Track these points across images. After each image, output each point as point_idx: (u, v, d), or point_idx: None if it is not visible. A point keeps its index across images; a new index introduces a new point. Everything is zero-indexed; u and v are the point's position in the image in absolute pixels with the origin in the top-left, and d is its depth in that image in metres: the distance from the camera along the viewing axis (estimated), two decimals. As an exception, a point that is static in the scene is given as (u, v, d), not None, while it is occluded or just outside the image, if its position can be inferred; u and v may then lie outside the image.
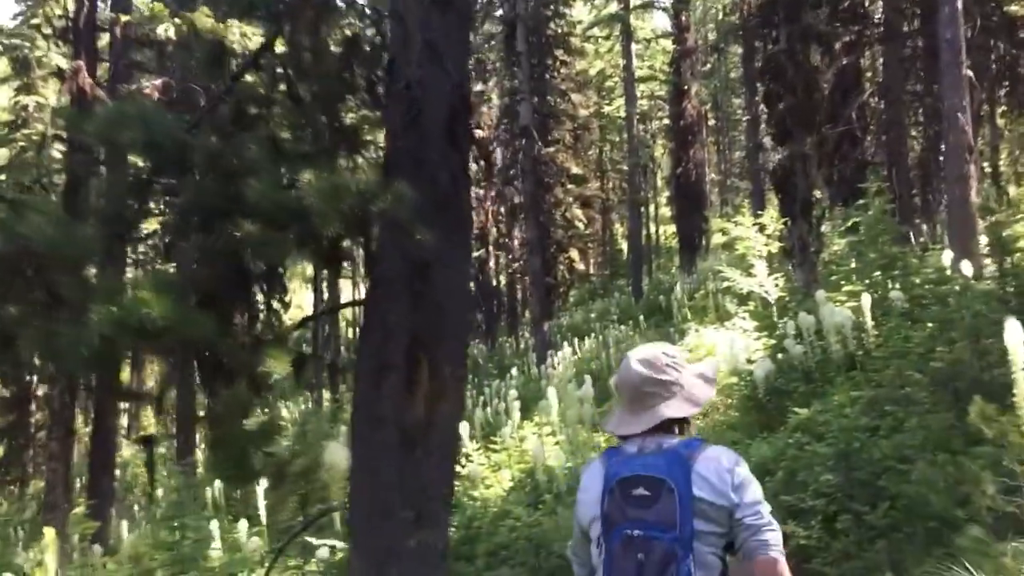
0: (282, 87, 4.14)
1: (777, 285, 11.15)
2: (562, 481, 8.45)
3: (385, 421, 4.11)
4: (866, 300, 8.66)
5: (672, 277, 30.45)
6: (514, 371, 19.72)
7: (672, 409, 2.55)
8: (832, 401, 7.36)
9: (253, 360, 3.51)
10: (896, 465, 5.37)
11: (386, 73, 4.24)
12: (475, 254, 34.39)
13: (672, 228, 41.06)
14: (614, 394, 3.30)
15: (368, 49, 4.36)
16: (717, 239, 33.88)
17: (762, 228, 11.96)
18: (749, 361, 9.42)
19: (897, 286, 9.81)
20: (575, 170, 31.77)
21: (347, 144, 4.21)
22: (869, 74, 22.22)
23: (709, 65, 44.17)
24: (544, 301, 20.16)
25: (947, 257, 10.16)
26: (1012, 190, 19.29)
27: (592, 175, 45.44)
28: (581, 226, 31.97)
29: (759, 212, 12.00)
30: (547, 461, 8.93)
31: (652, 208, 51.47)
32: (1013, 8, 23.78)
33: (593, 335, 22.39)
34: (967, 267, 9.51)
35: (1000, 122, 22.70)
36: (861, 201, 11.26)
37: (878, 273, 10.36)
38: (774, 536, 2.46)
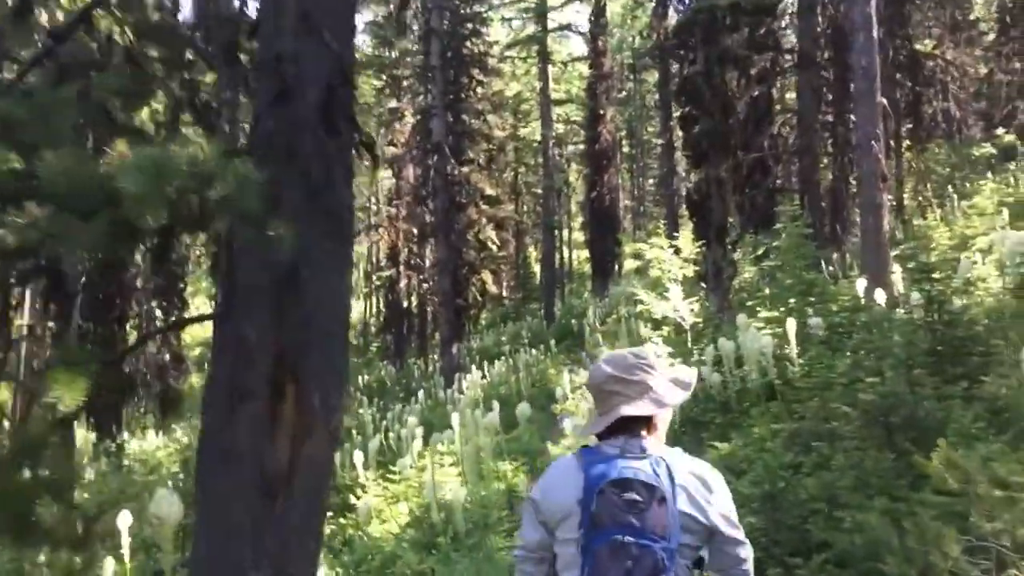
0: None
1: (692, 310, 10.73)
2: (460, 521, 7.74)
3: (239, 461, 3.38)
4: (791, 325, 8.25)
5: (584, 301, 30.20)
6: (420, 395, 18.98)
7: (633, 408, 2.45)
8: (752, 434, 6.89)
9: (36, 387, 2.74)
10: (824, 508, 4.88)
11: (252, 41, 3.58)
12: (386, 274, 33.60)
13: (586, 253, 40.93)
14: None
15: (229, 10, 3.67)
16: (630, 264, 33.87)
17: (677, 251, 11.52)
18: None
19: (812, 313, 9.49)
20: (489, 191, 31.19)
21: (200, 120, 3.50)
22: (779, 106, 22.35)
23: (624, 93, 44.48)
24: (454, 323, 19.47)
25: (861, 285, 9.91)
26: (916, 222, 19.48)
27: (507, 197, 45.07)
28: (494, 248, 31.39)
29: (674, 235, 11.56)
30: (445, 496, 8.21)
31: (566, 232, 51.44)
32: (918, 46, 24.37)
33: (504, 358, 21.84)
34: (881, 295, 9.26)
35: (906, 155, 23.07)
36: (778, 226, 10.95)
37: (793, 300, 10.04)
38: (750, 562, 2.48)
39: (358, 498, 9.44)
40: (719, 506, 2.42)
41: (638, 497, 2.32)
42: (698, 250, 11.89)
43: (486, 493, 8.81)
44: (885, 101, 13.18)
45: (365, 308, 48.09)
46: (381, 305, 37.63)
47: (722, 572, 2.46)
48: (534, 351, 22.51)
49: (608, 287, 28.85)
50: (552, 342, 22.90)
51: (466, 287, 29.85)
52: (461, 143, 30.19)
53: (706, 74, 14.20)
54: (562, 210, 48.16)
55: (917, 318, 7.14)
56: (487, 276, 30.58)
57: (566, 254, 50.13)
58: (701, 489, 2.41)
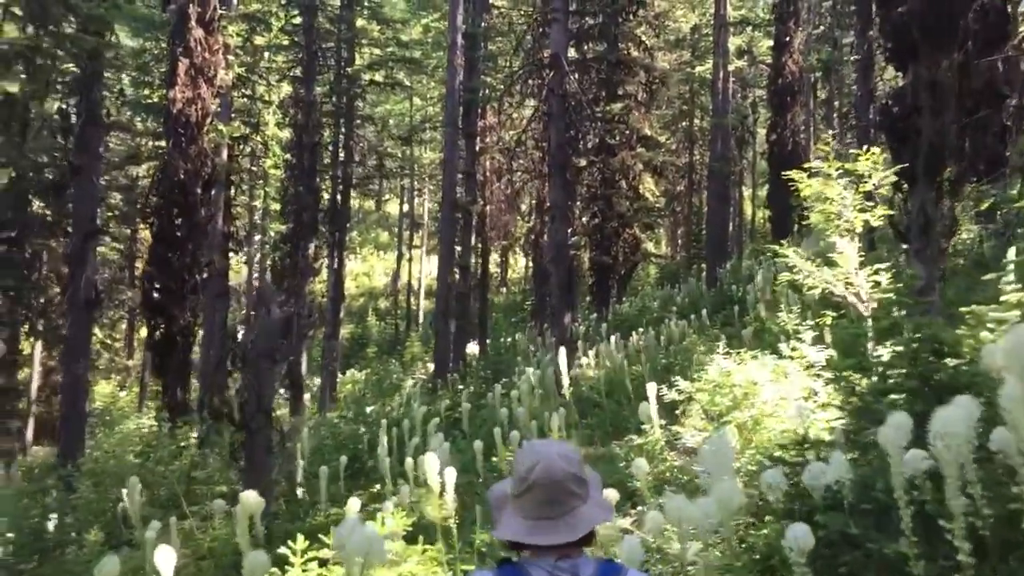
0: None
1: (878, 283, 6.38)
2: None
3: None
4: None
5: (756, 264, 25.49)
6: (497, 387, 14.87)
7: (595, 514, 2.29)
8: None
9: None
10: None
11: None
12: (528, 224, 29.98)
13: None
14: (508, 498, 2.33)
15: None
16: (817, 216, 28.63)
17: (858, 180, 6.93)
18: (801, 442, 4.65)
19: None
20: (647, 131, 26.81)
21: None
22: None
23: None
24: (566, 286, 15.46)
25: None
26: None
27: (679, 145, 40.42)
28: (650, 197, 27.04)
29: (857, 151, 6.95)
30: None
31: (751, 187, 46.03)
32: None
33: (641, 330, 17.76)
34: None
35: None
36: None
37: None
38: None
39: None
40: None
41: None
42: (892, 186, 7.11)
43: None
44: None
45: (526, 264, 44.91)
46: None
47: None
48: (682, 322, 18.35)
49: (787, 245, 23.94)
50: (704, 312, 18.57)
51: (614, 243, 25.79)
52: (615, 74, 25.95)
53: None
54: (746, 161, 42.85)
55: None
56: (640, 231, 26.36)
57: (748, 212, 44.89)
58: None
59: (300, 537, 5.57)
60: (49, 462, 17.97)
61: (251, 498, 4.05)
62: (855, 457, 4.23)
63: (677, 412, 6.75)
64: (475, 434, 10.21)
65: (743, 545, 4.47)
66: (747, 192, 46.02)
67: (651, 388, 6.51)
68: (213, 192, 20.06)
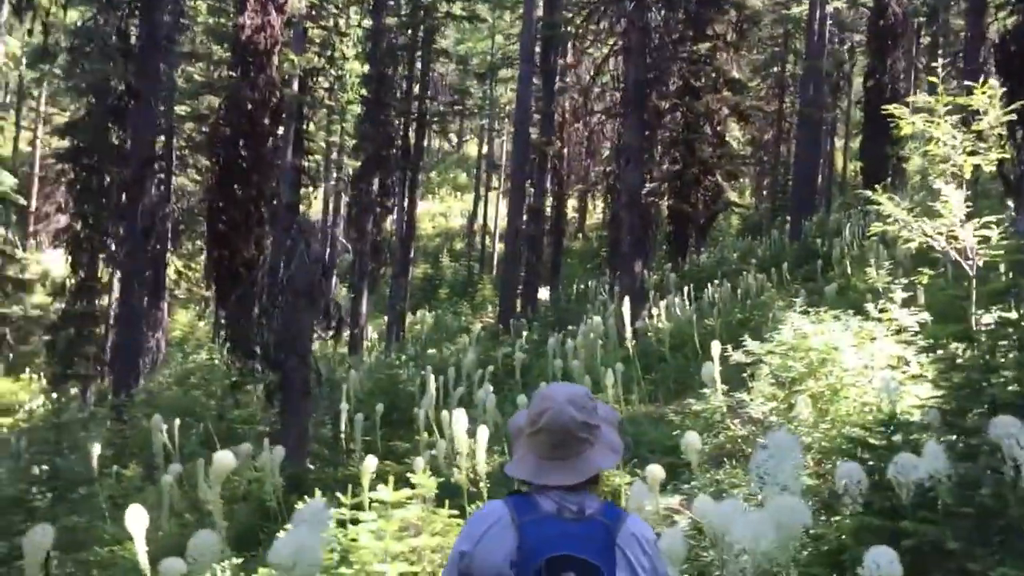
0: None
1: (984, 240, 5.46)
2: None
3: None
4: None
5: (844, 216, 24.16)
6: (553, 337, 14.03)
7: (601, 458, 2.41)
8: None
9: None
10: None
11: None
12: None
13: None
14: (523, 433, 2.47)
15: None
16: (915, 163, 26.97)
17: (969, 117, 5.93)
18: (887, 422, 3.88)
19: None
20: (734, 74, 25.44)
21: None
22: None
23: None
24: (639, 231, 14.62)
25: None
26: None
27: (768, 90, 38.62)
28: (735, 144, 25.78)
29: (971, 84, 5.88)
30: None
31: (843, 137, 43.91)
32: None
33: (716, 282, 16.87)
34: None
35: None
36: None
37: None
38: None
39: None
40: (652, 569, 2.34)
41: None
42: (1007, 120, 6.00)
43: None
44: None
45: (604, 210, 43.72)
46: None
47: None
48: (762, 275, 17.40)
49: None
50: (786, 265, 17.58)
51: (694, 190, 24.68)
52: (703, 11, 24.57)
53: None
54: (836, 108, 40.74)
55: None
56: (722, 179, 25.16)
57: (839, 164, 42.87)
58: (638, 553, 2.32)
59: (318, 493, 5.08)
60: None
61: (223, 460, 3.52)
62: (954, 443, 3.49)
63: (745, 375, 6.00)
64: (528, 386, 9.64)
65: (809, 534, 3.79)
66: (839, 144, 43.95)
67: (715, 347, 5.76)
68: (283, 124, 19.72)
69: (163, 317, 28.81)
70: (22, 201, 34.29)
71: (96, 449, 9.37)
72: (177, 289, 34.39)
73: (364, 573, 4.12)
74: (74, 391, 24.09)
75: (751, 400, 5.40)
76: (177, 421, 8.62)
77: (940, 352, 4.55)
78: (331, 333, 10.39)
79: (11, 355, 34.92)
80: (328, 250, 42.55)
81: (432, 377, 9.20)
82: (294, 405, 8.15)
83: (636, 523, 2.37)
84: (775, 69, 38.79)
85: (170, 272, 32.05)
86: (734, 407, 5.37)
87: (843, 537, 3.60)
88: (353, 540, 4.63)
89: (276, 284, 8.50)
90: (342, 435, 8.96)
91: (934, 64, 7.82)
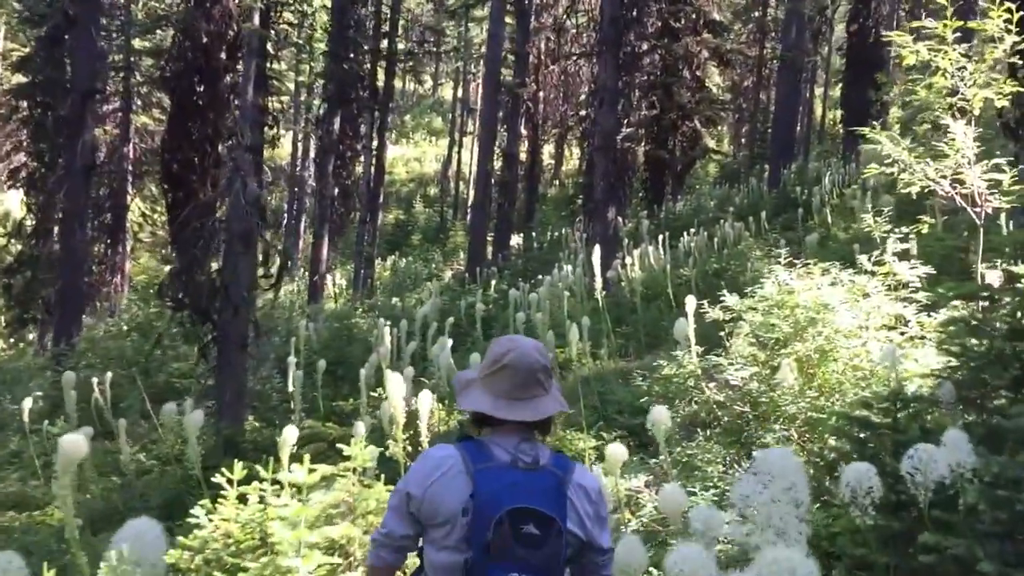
0: None
1: (995, 185, 4.83)
2: None
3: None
4: None
5: (823, 165, 23.55)
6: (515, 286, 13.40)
7: (555, 404, 2.48)
8: None
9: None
10: None
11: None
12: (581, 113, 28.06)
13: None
14: (476, 379, 2.52)
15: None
16: (896, 112, 26.32)
17: (985, 44, 5.20)
18: (891, 397, 3.25)
19: None
20: (715, 16, 24.60)
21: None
22: None
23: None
24: (612, 177, 13.91)
25: None
26: None
27: (748, 35, 37.69)
28: (715, 89, 25.02)
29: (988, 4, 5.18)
30: None
31: (823, 86, 43.15)
32: None
33: (693, 231, 16.27)
34: None
35: None
36: None
37: None
38: (610, 567, 2.42)
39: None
40: (598, 518, 2.41)
41: (535, 531, 2.26)
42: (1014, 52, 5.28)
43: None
44: None
45: (580, 155, 42.67)
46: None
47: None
48: (740, 224, 16.85)
49: (859, 147, 21.94)
50: (764, 214, 16.99)
51: (672, 136, 23.98)
52: (682, -50, 23.59)
53: None
54: (817, 55, 39.88)
55: None
56: (701, 124, 24.45)
57: (818, 113, 42.16)
58: (585, 503, 2.39)
59: (238, 466, 4.46)
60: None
61: (67, 444, 2.88)
62: (973, 425, 2.91)
63: (722, 333, 5.34)
64: (489, 340, 9.03)
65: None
66: (818, 92, 43.23)
67: (690, 302, 5.12)
68: (243, 61, 18.73)
69: (122, 261, 27.91)
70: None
71: (27, 403, 8.68)
72: (141, 232, 33.41)
73: (274, 566, 3.52)
74: (32, 336, 23.32)
75: (729, 364, 4.77)
76: (109, 375, 7.94)
77: (950, 312, 3.95)
78: (271, 282, 9.66)
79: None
80: (295, 192, 41.55)
81: (387, 329, 8.56)
82: (228, 360, 7.47)
83: (583, 474, 2.43)
84: (756, 14, 37.86)
85: (134, 215, 31.11)
86: (709, 370, 4.76)
87: (841, 537, 3.03)
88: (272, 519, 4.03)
89: (212, 227, 7.82)
90: (290, 392, 8.32)
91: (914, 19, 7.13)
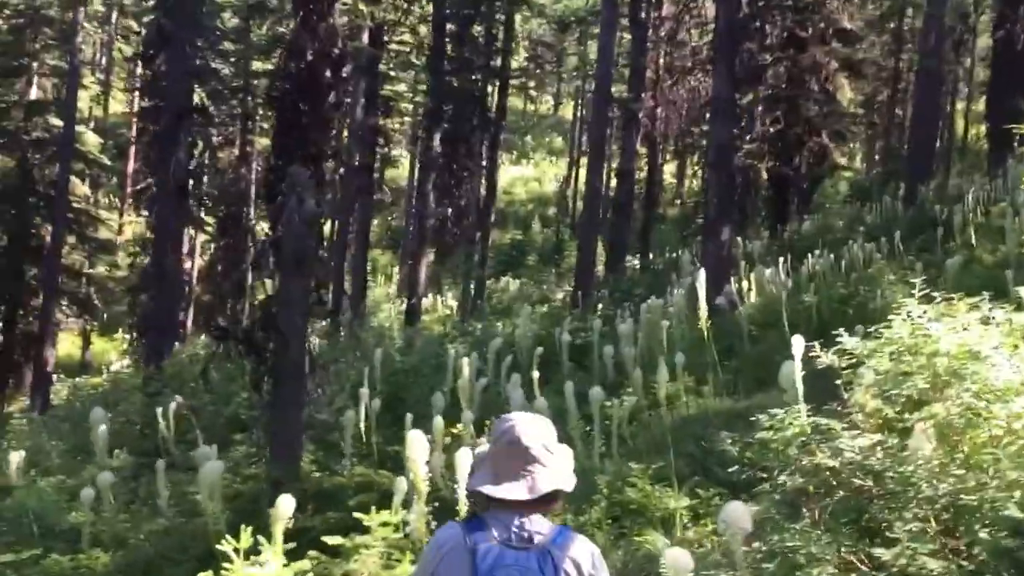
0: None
1: None
2: None
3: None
4: None
5: (967, 182, 21.73)
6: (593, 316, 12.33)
7: (557, 480, 2.42)
8: None
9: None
10: None
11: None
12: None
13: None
14: (491, 450, 2.50)
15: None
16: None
17: None
18: None
19: None
20: (845, 24, 23.12)
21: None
22: None
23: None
24: (725, 196, 12.85)
25: None
26: None
27: (883, 47, 35.62)
28: (845, 102, 23.51)
29: None
30: None
31: (965, 100, 40.45)
32: None
33: (817, 252, 15.01)
34: None
35: None
36: None
37: None
38: None
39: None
40: None
41: None
42: None
43: None
44: None
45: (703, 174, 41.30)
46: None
47: None
48: (871, 244, 15.43)
49: (1007, 162, 20.05)
50: (899, 235, 15.52)
51: (797, 152, 22.58)
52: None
53: None
54: (960, 64, 37.35)
55: None
56: (829, 139, 22.95)
57: (959, 128, 39.48)
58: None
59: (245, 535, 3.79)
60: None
61: None
62: None
63: (839, 381, 4.31)
64: (585, 371, 8.16)
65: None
66: (960, 106, 40.56)
67: (797, 344, 4.11)
68: (350, 79, 18.60)
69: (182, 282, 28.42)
70: (106, 161, 34.43)
71: (102, 430, 8.38)
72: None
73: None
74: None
75: (844, 429, 3.73)
76: (172, 405, 7.51)
77: None
78: (327, 309, 9.10)
79: (105, 315, 35.34)
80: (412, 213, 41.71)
81: (466, 361, 7.83)
82: (280, 395, 6.89)
83: (579, 546, 2.37)
84: (891, 25, 35.77)
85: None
86: (819, 431, 3.77)
87: None
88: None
89: (266, 251, 7.33)
90: (361, 427, 7.64)
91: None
